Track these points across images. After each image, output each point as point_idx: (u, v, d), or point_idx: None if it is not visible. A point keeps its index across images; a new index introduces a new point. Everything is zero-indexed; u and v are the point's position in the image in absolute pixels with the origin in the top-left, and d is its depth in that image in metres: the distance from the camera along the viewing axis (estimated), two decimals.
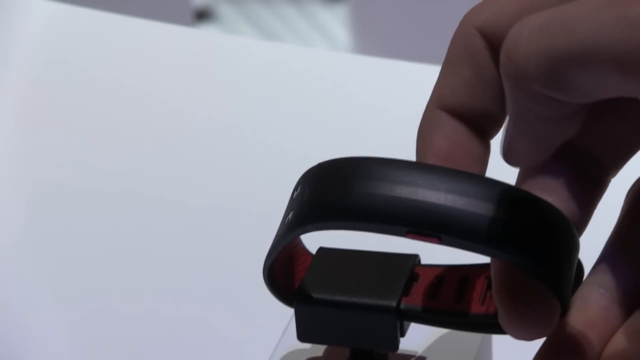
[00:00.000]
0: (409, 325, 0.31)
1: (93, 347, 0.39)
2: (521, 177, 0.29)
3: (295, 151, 0.43)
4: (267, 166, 0.45)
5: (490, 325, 0.29)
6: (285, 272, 0.31)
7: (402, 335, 0.30)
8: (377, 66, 0.53)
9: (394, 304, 0.29)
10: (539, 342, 0.28)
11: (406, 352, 0.32)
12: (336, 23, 1.68)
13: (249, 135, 0.49)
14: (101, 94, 0.52)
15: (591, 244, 0.29)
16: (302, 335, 0.30)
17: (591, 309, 0.28)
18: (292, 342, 0.32)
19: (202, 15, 1.61)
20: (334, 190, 0.27)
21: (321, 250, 0.31)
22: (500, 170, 0.28)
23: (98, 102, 0.52)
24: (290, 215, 0.27)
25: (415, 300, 0.30)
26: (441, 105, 0.29)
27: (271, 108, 0.51)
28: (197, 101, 0.52)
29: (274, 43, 0.56)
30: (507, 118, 0.27)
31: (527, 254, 0.26)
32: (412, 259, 0.31)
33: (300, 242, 0.31)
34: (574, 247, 0.27)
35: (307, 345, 0.32)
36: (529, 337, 0.27)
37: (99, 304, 0.40)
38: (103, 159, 0.50)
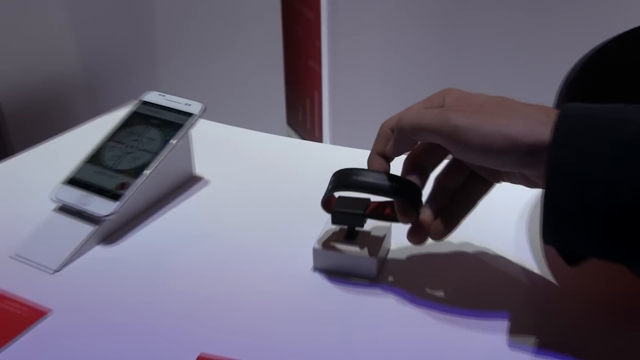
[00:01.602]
0: (366, 220, 0.52)
1: None
2: (402, 174, 0.49)
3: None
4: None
5: (394, 219, 0.50)
6: (330, 203, 0.52)
7: (364, 223, 0.52)
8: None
9: (362, 212, 0.51)
10: (405, 229, 0.49)
11: (365, 229, 0.54)
12: None
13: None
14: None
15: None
16: (334, 221, 0.53)
17: (426, 214, 0.50)
18: (330, 226, 0.54)
19: None
20: (342, 178, 0.50)
21: (340, 196, 0.53)
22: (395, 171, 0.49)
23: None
24: (329, 187, 0.50)
25: (369, 211, 0.52)
26: (376, 152, 0.50)
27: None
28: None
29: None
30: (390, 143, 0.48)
31: (405, 197, 0.48)
32: (368, 199, 0.52)
33: (334, 195, 0.52)
34: (420, 195, 0.49)
35: (335, 227, 0.54)
36: (407, 223, 0.49)
37: None
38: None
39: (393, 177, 0.48)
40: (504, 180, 0.49)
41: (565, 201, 0.40)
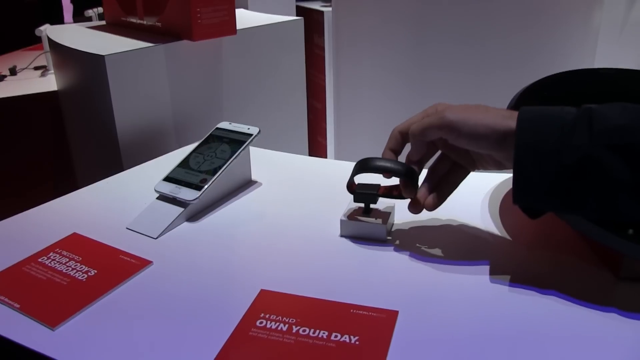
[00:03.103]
0: (378, 199, 0.59)
1: None
2: (408, 160, 0.55)
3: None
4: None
5: (399, 197, 0.56)
6: (352, 187, 0.60)
7: (377, 202, 0.59)
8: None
9: (376, 192, 0.59)
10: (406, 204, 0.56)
11: (377, 207, 0.61)
12: None
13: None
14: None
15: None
16: (355, 200, 0.59)
17: (422, 192, 0.55)
18: (351, 205, 0.61)
19: None
20: (364, 163, 0.57)
21: (359, 183, 0.60)
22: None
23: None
24: (353, 171, 0.57)
25: (380, 191, 0.59)
26: (388, 147, 0.55)
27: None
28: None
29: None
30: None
31: (409, 177, 0.55)
32: (379, 184, 0.60)
33: (354, 181, 0.59)
34: (417, 178, 0.55)
35: (355, 205, 0.61)
36: (409, 197, 0.55)
37: None
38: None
39: (399, 164, 0.55)
40: (477, 169, 0.54)
41: (528, 167, 0.44)
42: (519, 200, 0.46)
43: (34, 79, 1.40)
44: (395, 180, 0.56)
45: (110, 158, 0.94)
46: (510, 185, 0.57)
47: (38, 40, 1.56)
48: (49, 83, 1.27)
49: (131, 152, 0.92)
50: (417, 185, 0.54)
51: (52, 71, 1.37)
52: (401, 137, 0.54)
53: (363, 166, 0.55)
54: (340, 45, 1.35)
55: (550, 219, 0.58)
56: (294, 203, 0.67)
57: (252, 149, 0.70)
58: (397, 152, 0.55)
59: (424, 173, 0.56)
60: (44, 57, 1.48)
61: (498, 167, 0.51)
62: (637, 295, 0.47)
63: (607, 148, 0.41)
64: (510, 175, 0.47)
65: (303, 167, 0.79)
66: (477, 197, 0.65)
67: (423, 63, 1.15)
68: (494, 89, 1.14)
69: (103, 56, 0.84)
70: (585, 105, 0.45)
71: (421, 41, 1.13)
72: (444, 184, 0.54)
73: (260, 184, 0.72)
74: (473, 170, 0.54)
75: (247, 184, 0.71)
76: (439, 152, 0.55)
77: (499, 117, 0.47)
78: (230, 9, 0.92)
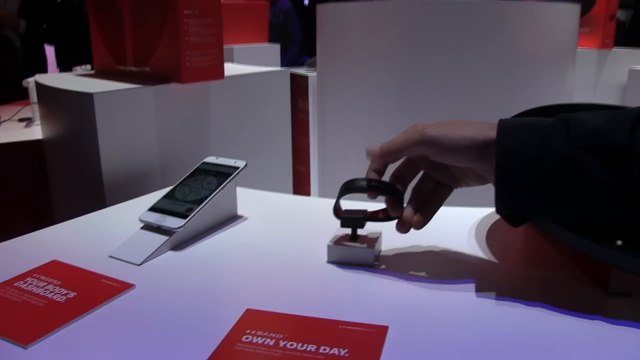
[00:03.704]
0: (365, 223, 0.59)
1: None
2: (391, 180, 0.56)
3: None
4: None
5: (386, 219, 0.56)
6: (339, 212, 0.60)
7: (364, 226, 0.59)
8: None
9: (362, 216, 0.59)
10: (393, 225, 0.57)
11: (364, 234, 0.61)
12: None
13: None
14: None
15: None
16: (343, 224, 0.59)
17: (408, 211, 0.55)
18: (338, 232, 0.62)
19: None
20: (349, 184, 0.57)
21: (345, 209, 0.61)
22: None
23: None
24: (339, 193, 0.57)
25: (367, 215, 0.59)
26: (372, 169, 0.55)
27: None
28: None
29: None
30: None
31: (395, 195, 0.55)
32: (365, 210, 0.60)
33: (340, 206, 0.59)
34: (402, 196, 0.56)
35: (342, 230, 0.61)
36: (396, 214, 0.55)
37: None
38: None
39: (384, 182, 0.56)
40: (460, 186, 0.56)
41: (510, 172, 0.46)
42: (502, 208, 0.48)
43: (18, 130, 1.41)
44: (381, 205, 0.57)
45: (94, 200, 0.93)
46: (495, 217, 0.58)
47: (23, 96, 1.59)
48: (33, 134, 1.28)
49: (115, 194, 0.92)
50: (403, 204, 0.55)
51: (37, 122, 1.37)
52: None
53: (348, 187, 0.56)
54: (325, 99, 1.40)
55: (536, 241, 0.60)
56: (281, 234, 0.67)
57: (237, 188, 0.70)
58: (380, 172, 0.56)
59: (408, 195, 0.56)
60: (29, 110, 1.50)
61: (480, 181, 0.53)
62: (625, 310, 0.47)
63: (585, 150, 0.44)
64: (494, 209, 0.49)
65: (289, 203, 0.79)
66: (463, 229, 0.66)
67: (408, 113, 1.20)
68: None
69: (92, 94, 0.86)
70: (561, 114, 0.48)
71: (406, 92, 1.18)
72: (429, 203, 0.55)
73: (247, 219, 0.72)
74: (456, 187, 0.55)
75: (233, 218, 0.71)
76: (421, 172, 0.56)
77: (479, 128, 0.49)
78: (218, 54, 0.96)
